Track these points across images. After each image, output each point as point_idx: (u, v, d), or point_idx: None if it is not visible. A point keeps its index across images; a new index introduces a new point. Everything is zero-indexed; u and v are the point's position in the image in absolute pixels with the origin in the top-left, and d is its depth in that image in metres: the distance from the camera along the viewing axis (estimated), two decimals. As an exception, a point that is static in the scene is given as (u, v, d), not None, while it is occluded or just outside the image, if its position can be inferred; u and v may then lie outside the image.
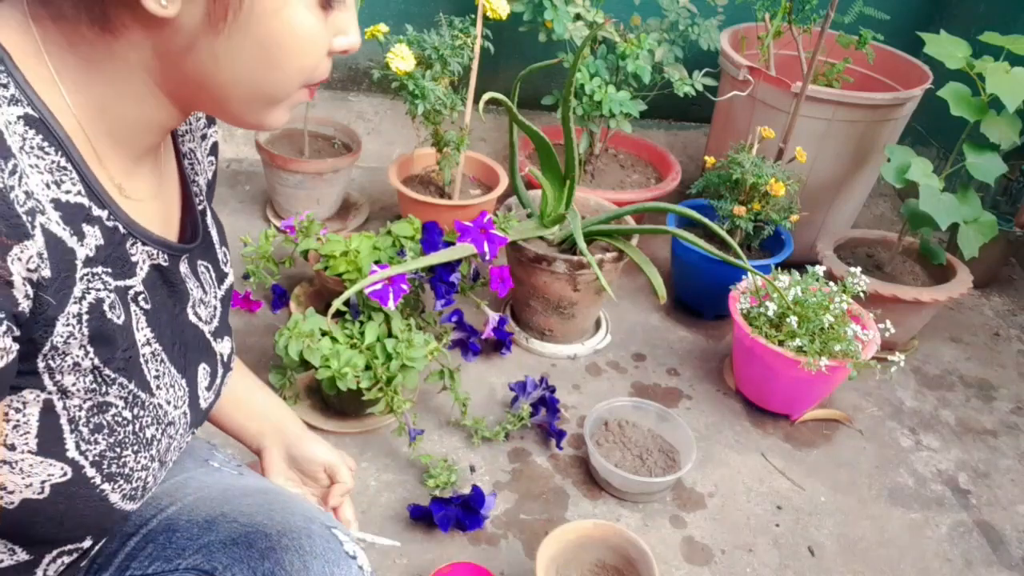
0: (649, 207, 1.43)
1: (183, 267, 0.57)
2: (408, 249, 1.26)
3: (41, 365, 0.45)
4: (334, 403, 1.22)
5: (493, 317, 1.33)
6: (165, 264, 0.54)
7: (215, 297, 0.63)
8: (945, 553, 1.15)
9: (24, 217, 0.40)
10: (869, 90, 1.61)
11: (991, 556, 1.16)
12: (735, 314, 1.29)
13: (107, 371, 0.48)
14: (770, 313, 1.27)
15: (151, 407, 0.53)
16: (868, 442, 1.33)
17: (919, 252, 1.55)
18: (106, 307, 0.47)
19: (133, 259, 0.50)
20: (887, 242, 1.60)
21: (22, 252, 0.40)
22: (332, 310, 1.13)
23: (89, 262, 0.46)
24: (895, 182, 1.39)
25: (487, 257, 1.23)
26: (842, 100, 1.52)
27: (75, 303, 0.45)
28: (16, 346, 0.42)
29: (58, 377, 0.46)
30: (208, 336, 0.61)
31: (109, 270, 0.48)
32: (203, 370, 0.60)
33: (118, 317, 0.49)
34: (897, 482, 1.26)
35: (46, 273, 0.42)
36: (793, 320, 1.23)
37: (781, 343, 1.24)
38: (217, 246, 0.65)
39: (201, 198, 0.63)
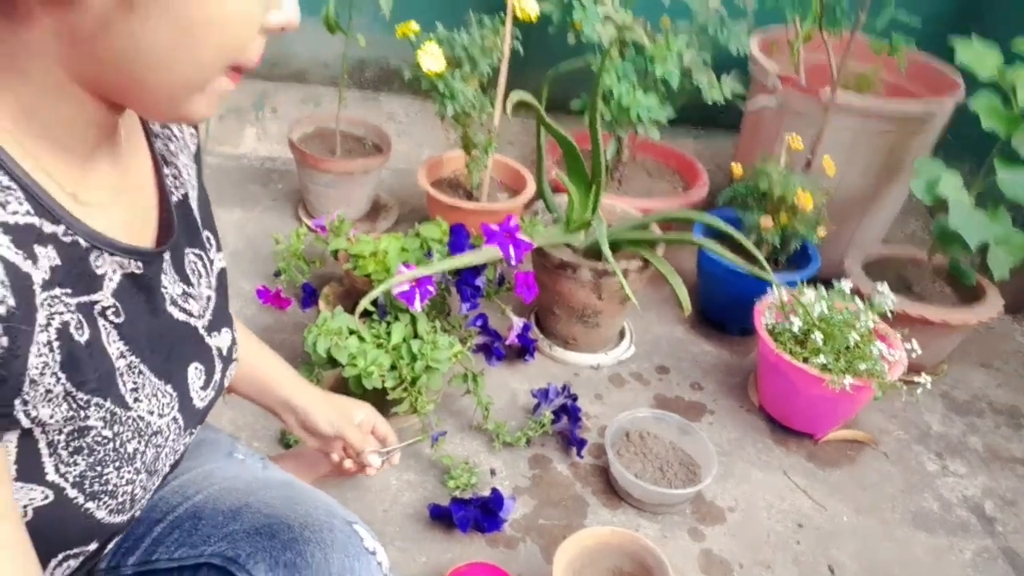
0: (675, 216, 1.42)
1: (164, 264, 0.54)
2: (435, 251, 1.27)
3: (17, 403, 0.43)
4: (358, 402, 1.24)
5: (517, 323, 1.33)
6: (140, 272, 0.51)
7: (208, 287, 0.60)
8: (968, 579, 1.14)
9: None
10: (900, 98, 1.58)
11: (1015, 584, 1.14)
12: (760, 328, 1.28)
13: (80, 395, 0.46)
14: (795, 329, 1.26)
15: (130, 421, 0.50)
16: (893, 465, 1.32)
17: (949, 272, 1.53)
18: (72, 329, 0.45)
19: (100, 271, 0.47)
20: (917, 261, 1.58)
21: None
22: (359, 309, 1.14)
23: (46, 285, 0.43)
24: (924, 198, 1.36)
25: (512, 261, 1.24)
26: (872, 109, 1.50)
27: (42, 331, 0.42)
28: None
29: (33, 412, 0.44)
30: (201, 331, 0.58)
31: (68, 290, 0.44)
32: (195, 369, 0.57)
33: (82, 336, 0.46)
34: (922, 506, 1.25)
35: (11, 302, 0.40)
36: (818, 337, 1.22)
37: (805, 360, 1.23)
38: (201, 230, 0.60)
39: (180, 180, 0.58)
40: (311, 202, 1.67)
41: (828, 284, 1.32)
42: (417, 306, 1.15)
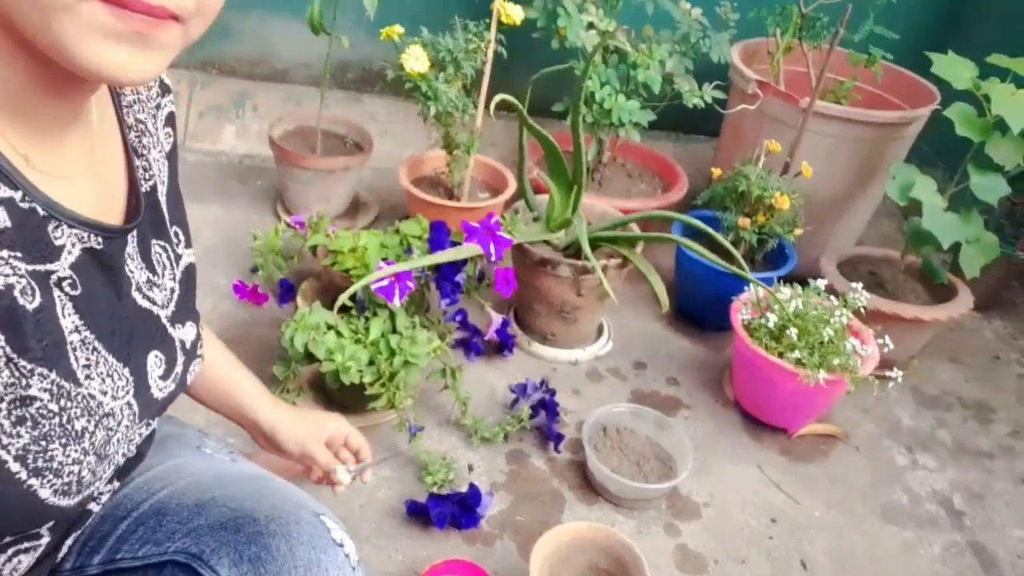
0: (655, 215, 1.44)
1: (130, 248, 0.54)
2: (415, 248, 1.27)
3: None
4: (336, 397, 1.23)
5: (496, 319, 1.34)
6: (99, 247, 0.50)
7: (172, 279, 0.60)
8: (937, 572, 1.16)
9: None
10: (877, 108, 1.62)
11: (983, 576, 1.16)
12: (736, 324, 1.30)
13: (23, 362, 0.45)
14: (771, 325, 1.28)
15: (79, 398, 0.49)
16: (864, 459, 1.34)
17: (921, 271, 1.56)
18: (16, 293, 0.44)
19: (58, 243, 0.47)
20: (890, 260, 1.61)
21: None
22: (338, 304, 1.14)
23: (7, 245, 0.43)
24: (899, 199, 1.40)
25: (493, 258, 1.25)
26: (849, 117, 1.54)
27: None
28: None
29: None
30: (164, 321, 0.58)
31: (19, 254, 0.44)
32: (155, 358, 0.57)
33: (30, 303, 0.45)
34: (892, 500, 1.27)
35: None
36: (793, 332, 1.24)
37: (781, 355, 1.25)
38: (168, 224, 0.60)
39: (150, 173, 0.59)
40: (290, 199, 1.67)
41: (804, 282, 1.34)
42: (396, 301, 1.15)
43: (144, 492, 0.67)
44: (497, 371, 1.39)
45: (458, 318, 1.29)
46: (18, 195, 0.44)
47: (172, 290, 0.60)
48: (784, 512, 1.21)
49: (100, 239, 0.50)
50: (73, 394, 0.49)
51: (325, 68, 1.56)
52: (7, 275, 0.44)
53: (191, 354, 0.62)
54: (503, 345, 1.38)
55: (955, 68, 1.39)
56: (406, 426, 1.15)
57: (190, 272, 0.63)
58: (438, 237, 1.26)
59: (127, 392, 0.53)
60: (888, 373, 1.28)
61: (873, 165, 1.61)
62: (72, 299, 0.48)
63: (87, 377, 0.50)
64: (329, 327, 1.14)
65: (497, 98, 1.23)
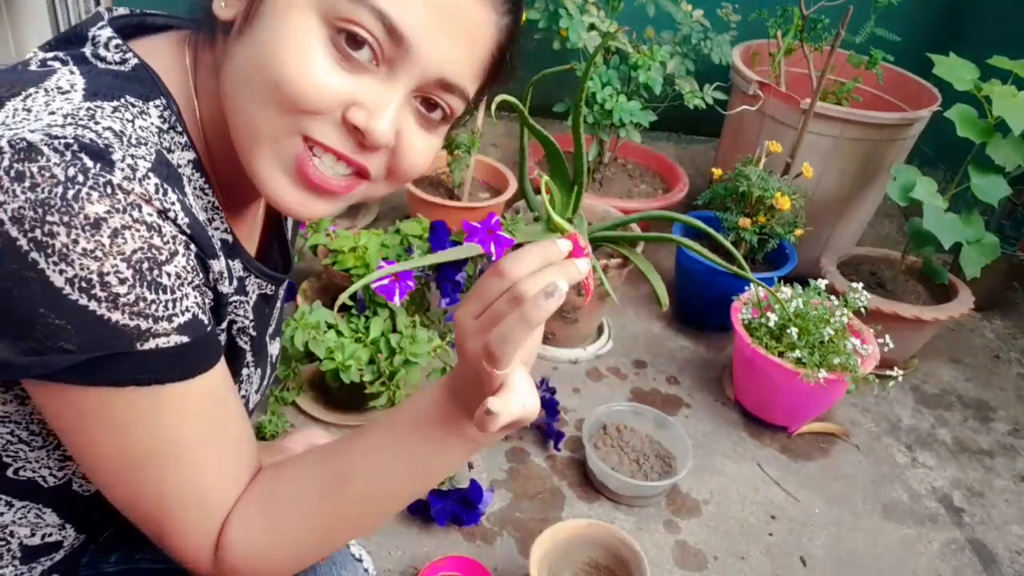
0: (655, 215, 1.44)
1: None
2: (416, 247, 1.28)
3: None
4: (336, 395, 1.24)
5: (497, 318, 1.34)
6: (271, 294, 0.58)
7: (278, 300, 0.65)
8: (936, 569, 1.16)
9: (211, 239, 0.46)
10: (878, 109, 1.63)
11: (982, 574, 1.16)
12: (736, 324, 1.30)
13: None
14: (771, 324, 1.28)
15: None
16: (864, 457, 1.34)
17: (922, 272, 1.56)
18: (235, 331, 0.53)
19: (247, 288, 0.54)
20: (890, 260, 1.61)
21: (214, 266, 0.47)
22: (339, 303, 1.15)
23: (236, 291, 0.52)
24: (899, 200, 1.40)
25: (493, 258, 1.25)
26: (850, 118, 1.54)
27: (224, 322, 0.50)
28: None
29: None
30: (266, 340, 0.63)
31: (244, 299, 0.53)
32: (257, 373, 0.62)
33: (245, 343, 0.55)
34: (892, 497, 1.27)
35: (225, 288, 0.48)
36: (793, 332, 1.24)
37: (781, 354, 1.26)
38: (290, 248, 0.67)
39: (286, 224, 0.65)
40: (293, 200, 1.68)
41: (804, 282, 1.34)
42: (396, 300, 1.16)
43: None
44: (498, 370, 1.39)
45: (459, 317, 1.29)
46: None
47: (277, 309, 0.65)
48: (784, 509, 1.21)
49: (272, 286, 0.58)
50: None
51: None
52: (239, 316, 0.54)
53: (275, 366, 0.67)
54: (504, 344, 1.38)
55: (956, 70, 1.39)
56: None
57: (290, 289, 0.69)
58: (439, 237, 1.27)
59: (247, 401, 0.60)
60: (888, 373, 1.28)
61: (874, 166, 1.61)
62: (251, 340, 0.56)
63: (244, 406, 0.57)
64: (329, 326, 1.15)
65: (498, 98, 1.23)
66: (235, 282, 0.52)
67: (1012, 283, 1.83)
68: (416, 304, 1.30)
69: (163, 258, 0.42)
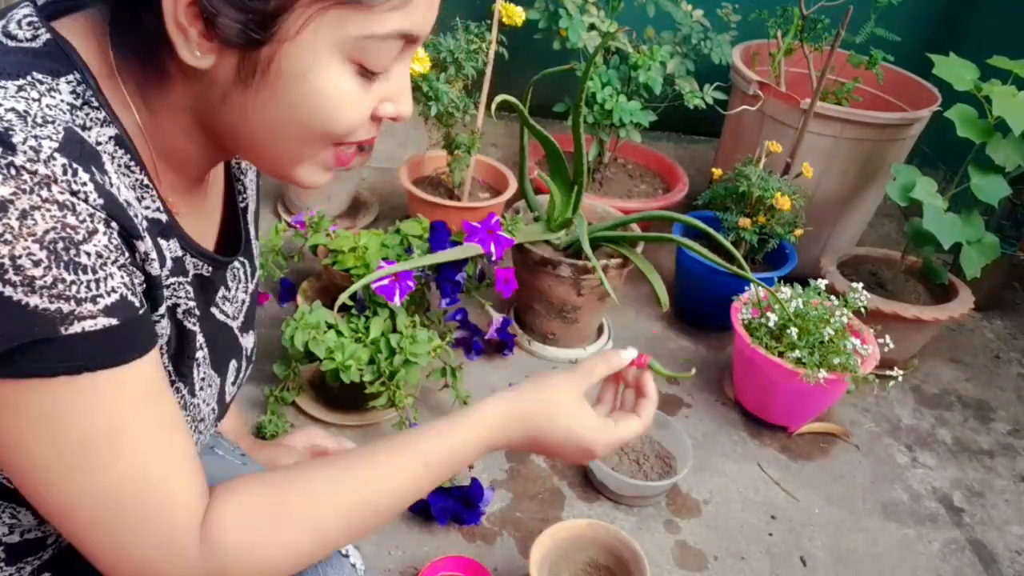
0: (655, 215, 1.44)
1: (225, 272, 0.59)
2: (416, 247, 1.28)
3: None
4: (336, 396, 1.24)
5: (497, 318, 1.35)
6: (208, 275, 0.55)
7: (245, 291, 0.63)
8: (937, 569, 1.16)
9: (135, 219, 0.44)
10: (878, 109, 1.63)
11: (982, 574, 1.16)
12: (736, 324, 1.30)
13: (175, 379, 0.52)
14: (771, 324, 1.28)
15: (192, 407, 0.55)
16: (864, 457, 1.34)
17: (922, 271, 1.56)
18: (180, 313, 0.51)
19: (187, 268, 0.52)
20: (890, 260, 1.61)
21: (139, 247, 0.44)
22: (339, 303, 1.15)
23: (172, 271, 0.49)
24: (899, 200, 1.40)
25: (493, 258, 1.25)
26: (850, 118, 1.54)
27: (163, 305, 0.48)
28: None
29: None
30: (236, 331, 0.62)
31: (185, 279, 0.51)
32: (232, 365, 0.61)
33: (194, 325, 0.52)
34: (891, 497, 1.27)
35: (155, 270, 0.46)
36: (793, 332, 1.24)
37: (781, 354, 1.26)
38: (254, 240, 0.65)
39: (245, 195, 0.64)
40: (291, 199, 1.68)
41: (804, 283, 1.34)
42: (396, 300, 1.16)
43: None
44: (497, 370, 1.39)
45: (458, 317, 1.30)
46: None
47: (243, 302, 0.63)
48: (784, 509, 1.21)
49: (209, 267, 0.55)
50: (189, 405, 0.54)
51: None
52: (179, 297, 0.51)
53: (250, 360, 0.66)
54: (503, 344, 1.38)
55: (956, 70, 1.39)
56: (406, 425, 1.15)
57: (257, 284, 0.67)
58: (439, 237, 1.27)
59: (214, 398, 0.58)
60: (888, 373, 1.28)
61: (874, 166, 1.61)
62: (198, 320, 0.54)
63: (200, 389, 0.55)
64: (329, 326, 1.15)
65: (498, 98, 1.23)
66: (169, 263, 0.49)
67: (1012, 283, 1.83)
68: (416, 304, 1.30)
69: (80, 237, 0.40)
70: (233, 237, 0.61)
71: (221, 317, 0.59)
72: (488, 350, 1.40)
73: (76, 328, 0.40)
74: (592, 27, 1.60)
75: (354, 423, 1.23)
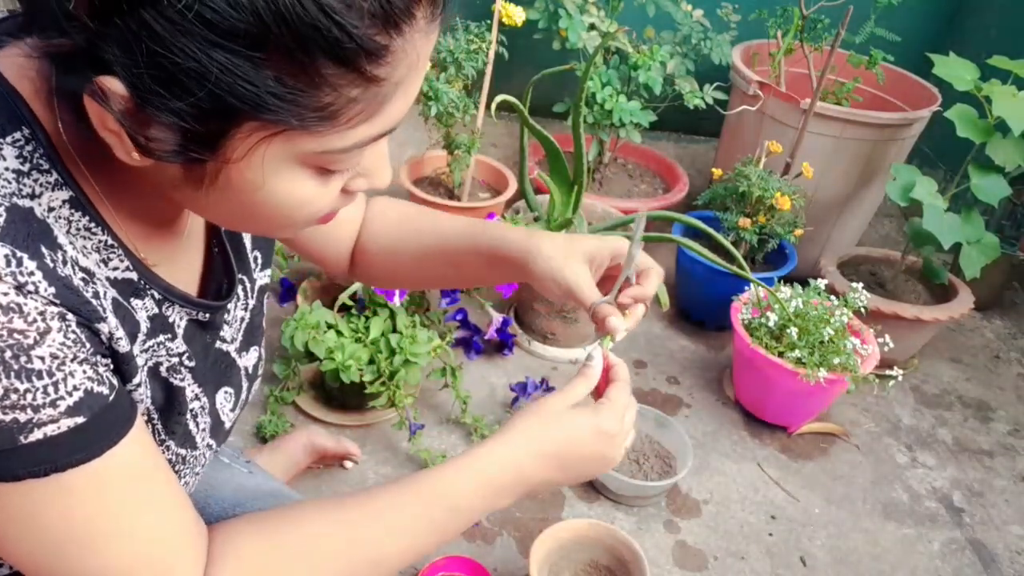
0: (655, 215, 1.44)
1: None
2: (416, 247, 1.28)
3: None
4: (336, 395, 1.24)
5: (497, 318, 1.35)
6: (206, 319, 0.52)
7: (244, 308, 0.59)
8: (937, 569, 1.16)
9: (93, 302, 0.40)
10: (878, 109, 1.63)
11: (982, 574, 1.16)
12: (736, 324, 1.30)
13: (164, 436, 0.49)
14: (771, 324, 1.28)
15: (191, 460, 0.53)
16: (864, 457, 1.34)
17: (922, 272, 1.56)
18: (164, 371, 0.48)
19: (170, 320, 0.49)
20: (890, 260, 1.61)
21: (103, 329, 0.41)
22: (338, 303, 1.15)
23: (149, 333, 0.46)
24: (899, 200, 1.40)
25: (493, 258, 1.25)
26: (850, 118, 1.54)
27: (140, 372, 0.45)
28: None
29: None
30: (233, 355, 0.58)
31: (166, 337, 0.48)
32: (224, 394, 0.57)
33: (181, 380, 0.49)
34: (891, 497, 1.27)
35: (123, 348, 0.43)
36: (793, 332, 1.24)
37: (781, 354, 1.26)
38: (249, 252, 0.60)
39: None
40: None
41: (804, 283, 1.34)
42: (396, 300, 1.16)
43: None
44: (497, 370, 1.39)
45: (458, 317, 1.30)
46: (144, 284, 0.46)
47: (241, 319, 0.59)
48: (784, 509, 1.21)
49: (207, 313, 0.52)
50: (188, 458, 0.52)
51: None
52: (160, 356, 0.48)
53: (253, 377, 0.62)
54: (503, 344, 1.38)
55: (956, 70, 1.39)
56: (406, 424, 1.15)
57: (262, 292, 0.62)
58: (439, 236, 1.27)
59: (207, 432, 0.55)
60: (888, 372, 1.28)
61: (874, 166, 1.61)
62: (191, 370, 0.51)
63: (202, 440, 0.53)
64: (329, 326, 1.15)
65: (498, 98, 1.24)
66: (144, 327, 0.46)
67: (1012, 283, 1.83)
68: (416, 304, 1.30)
69: (30, 341, 0.36)
70: (226, 264, 0.56)
71: (219, 344, 0.56)
72: (488, 350, 1.40)
73: (37, 435, 0.38)
74: (592, 27, 1.60)
75: (354, 423, 1.23)
